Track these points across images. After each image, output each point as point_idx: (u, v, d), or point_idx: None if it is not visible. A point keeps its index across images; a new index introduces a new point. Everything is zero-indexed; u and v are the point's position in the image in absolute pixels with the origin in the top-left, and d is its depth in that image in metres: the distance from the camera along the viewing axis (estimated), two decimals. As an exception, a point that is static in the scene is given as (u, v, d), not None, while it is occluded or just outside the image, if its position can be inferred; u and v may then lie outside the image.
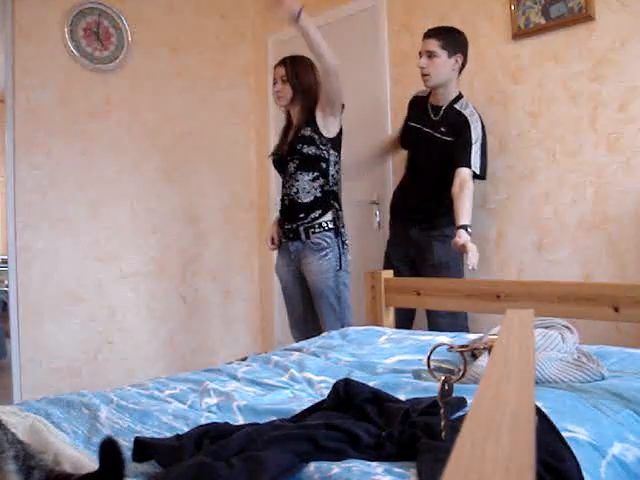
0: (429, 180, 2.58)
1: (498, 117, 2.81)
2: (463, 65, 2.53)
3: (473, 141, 2.43)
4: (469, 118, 2.47)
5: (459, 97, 2.56)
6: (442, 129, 2.52)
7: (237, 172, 3.94)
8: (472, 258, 2.22)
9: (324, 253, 2.49)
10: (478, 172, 2.43)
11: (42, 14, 3.07)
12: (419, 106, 2.67)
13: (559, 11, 2.57)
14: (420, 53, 2.50)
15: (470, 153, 2.41)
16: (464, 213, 2.31)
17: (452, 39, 2.48)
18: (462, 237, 2.24)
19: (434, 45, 2.45)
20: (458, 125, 2.47)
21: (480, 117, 2.51)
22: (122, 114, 3.36)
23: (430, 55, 2.46)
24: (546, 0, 2.60)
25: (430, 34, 2.49)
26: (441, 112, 2.56)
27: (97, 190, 3.25)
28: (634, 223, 2.42)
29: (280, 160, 2.61)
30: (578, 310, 1.75)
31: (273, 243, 2.70)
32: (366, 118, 3.35)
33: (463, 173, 2.39)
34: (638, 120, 2.41)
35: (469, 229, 2.28)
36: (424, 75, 2.49)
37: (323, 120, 2.49)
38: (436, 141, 2.54)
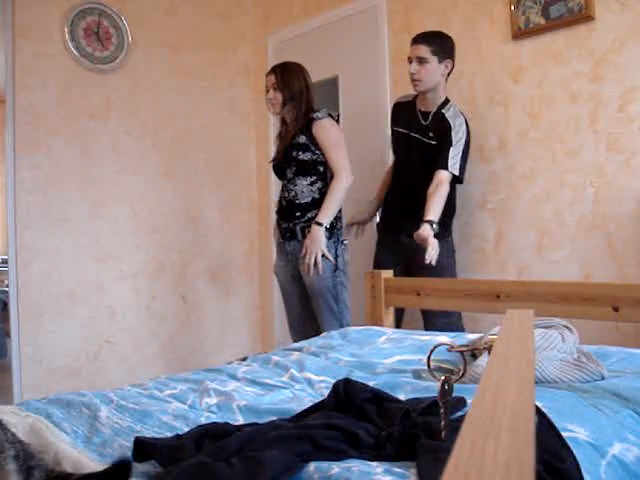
0: (419, 187, 2.53)
1: (498, 117, 2.81)
2: (451, 70, 2.54)
3: (453, 143, 2.44)
4: (452, 122, 2.48)
5: (446, 102, 2.56)
6: (430, 134, 2.53)
7: (237, 172, 3.94)
8: (431, 252, 2.26)
9: None
10: (457, 174, 2.44)
11: (42, 14, 3.07)
12: (406, 111, 2.66)
13: (559, 11, 2.57)
14: (410, 58, 2.50)
15: (448, 156, 2.42)
16: (434, 209, 2.35)
17: (442, 45, 2.48)
18: (426, 230, 2.29)
19: (425, 51, 2.45)
20: (442, 129, 2.49)
21: (466, 121, 2.51)
22: (122, 114, 3.36)
23: (421, 61, 2.45)
24: (546, 0, 2.60)
25: (420, 40, 2.48)
26: (429, 118, 2.56)
27: (97, 190, 3.25)
28: (634, 223, 2.42)
29: (278, 166, 2.65)
30: (578, 310, 1.75)
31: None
32: (366, 118, 3.35)
33: (441, 175, 2.41)
34: (638, 120, 2.41)
35: (434, 225, 2.33)
36: (415, 80, 2.49)
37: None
38: (425, 146, 2.54)
